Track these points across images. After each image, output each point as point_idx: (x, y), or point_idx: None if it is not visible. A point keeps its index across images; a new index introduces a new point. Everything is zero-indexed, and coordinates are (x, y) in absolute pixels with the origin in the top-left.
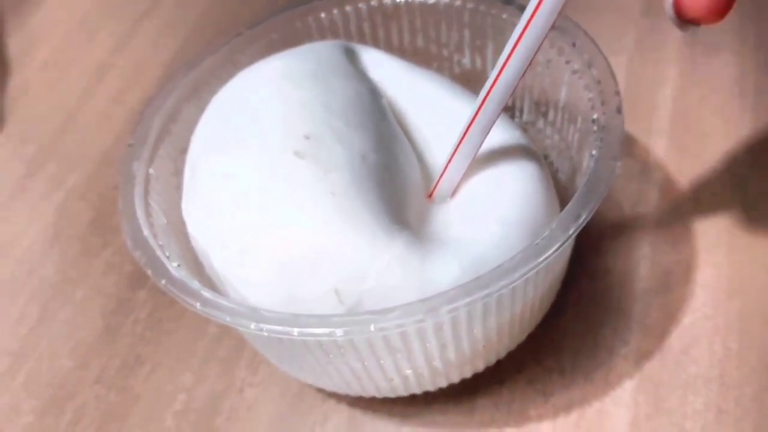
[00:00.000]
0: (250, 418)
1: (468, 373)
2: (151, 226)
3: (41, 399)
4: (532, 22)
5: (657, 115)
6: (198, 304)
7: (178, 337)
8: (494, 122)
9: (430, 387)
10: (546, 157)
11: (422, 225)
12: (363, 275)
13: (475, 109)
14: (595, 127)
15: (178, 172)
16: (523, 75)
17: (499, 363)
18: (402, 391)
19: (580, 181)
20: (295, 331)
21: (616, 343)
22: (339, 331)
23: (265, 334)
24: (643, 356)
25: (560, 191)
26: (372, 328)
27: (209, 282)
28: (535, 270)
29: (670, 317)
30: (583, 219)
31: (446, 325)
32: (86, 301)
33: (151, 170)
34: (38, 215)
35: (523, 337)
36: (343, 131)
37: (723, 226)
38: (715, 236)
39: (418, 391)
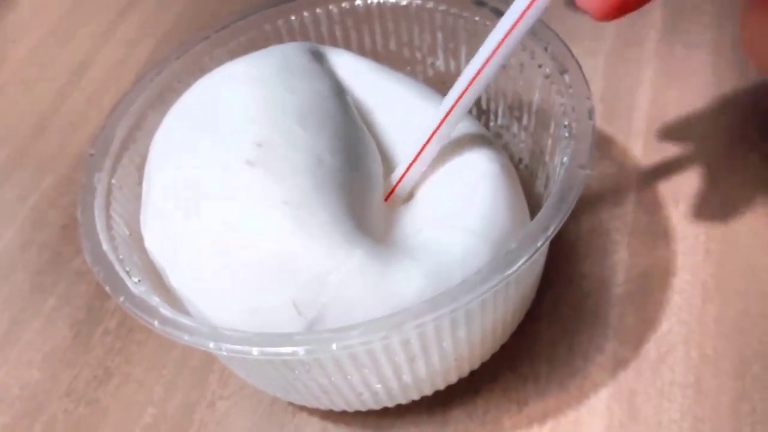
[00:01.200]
0: None
1: (441, 386)
2: (112, 239)
3: (10, 413)
4: (502, 45)
5: (634, 115)
6: (156, 323)
7: (149, 348)
8: (456, 125)
9: (402, 400)
10: (521, 161)
11: (384, 229)
12: (321, 286)
13: (438, 115)
14: (566, 133)
15: (142, 182)
16: (491, 81)
17: (473, 372)
18: (372, 405)
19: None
20: (255, 350)
21: (591, 350)
22: (301, 350)
23: (224, 353)
24: (619, 363)
25: (536, 197)
26: (334, 347)
27: (171, 297)
28: (503, 283)
29: (646, 323)
30: (552, 231)
31: (414, 339)
32: (56, 310)
33: (113, 180)
34: (10, 221)
35: (496, 348)
36: (299, 134)
37: (701, 229)
38: (692, 239)
39: (389, 404)
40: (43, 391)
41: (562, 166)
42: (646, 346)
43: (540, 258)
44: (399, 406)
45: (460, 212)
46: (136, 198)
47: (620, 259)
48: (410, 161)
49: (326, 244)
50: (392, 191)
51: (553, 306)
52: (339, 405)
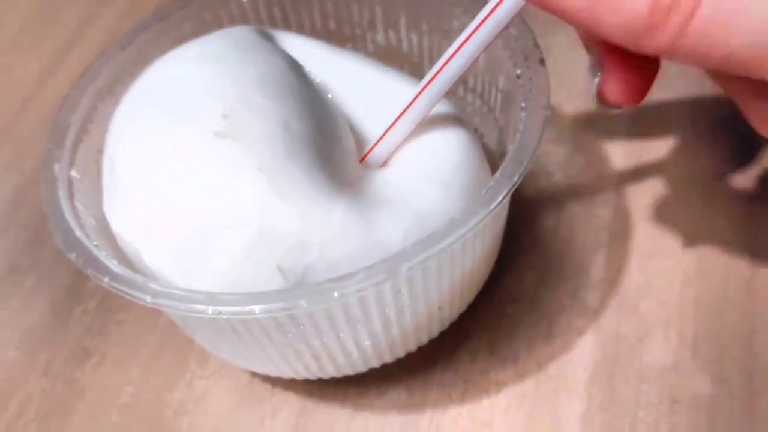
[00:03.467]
0: (199, 412)
1: (425, 340)
2: (81, 227)
3: None
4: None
5: None
6: (148, 297)
7: (128, 329)
8: (439, 100)
9: (389, 358)
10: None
11: (358, 190)
12: (305, 248)
13: (425, 83)
14: (520, 82)
15: (101, 175)
16: (475, 62)
17: (453, 352)
18: (361, 367)
19: (511, 139)
20: (257, 309)
21: (570, 332)
22: (303, 303)
23: (224, 317)
24: (598, 346)
25: (487, 156)
26: (336, 294)
27: None
28: (485, 221)
29: (625, 305)
30: (525, 167)
31: (404, 287)
32: (35, 290)
33: (73, 172)
34: None
35: (472, 297)
36: (262, 104)
37: (681, 214)
38: (672, 223)
39: (376, 363)
40: (20, 370)
41: (522, 110)
42: (626, 328)
43: (507, 204)
44: (379, 388)
45: (432, 168)
46: (97, 190)
47: (601, 243)
48: (387, 126)
49: (306, 207)
50: (367, 154)
51: (533, 289)
52: (328, 371)
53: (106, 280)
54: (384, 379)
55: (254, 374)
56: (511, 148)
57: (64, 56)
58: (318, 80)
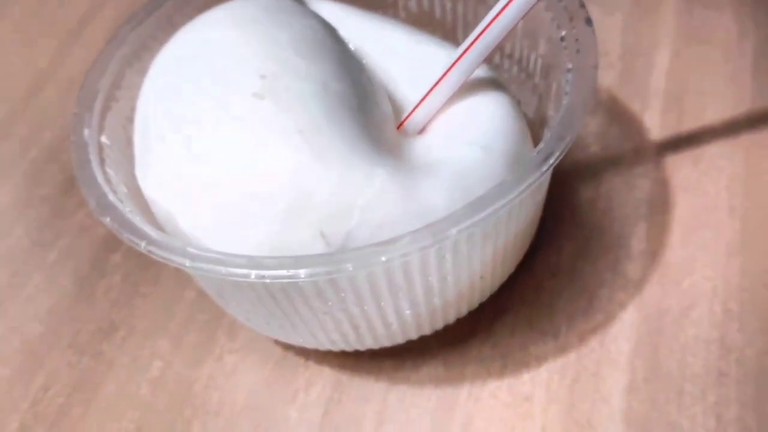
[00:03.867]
0: (229, 386)
1: (464, 311)
2: (114, 193)
3: (10, 365)
4: None
5: (653, 75)
6: (187, 261)
7: (154, 302)
8: (478, 65)
9: (427, 329)
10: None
11: (398, 155)
12: (347, 213)
13: (463, 48)
14: (564, 44)
15: (131, 143)
16: (515, 26)
17: (491, 326)
18: (399, 338)
19: (552, 106)
20: (302, 272)
21: (612, 305)
22: (348, 266)
23: (268, 281)
24: (641, 319)
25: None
26: (383, 258)
27: None
28: (536, 184)
29: (668, 278)
30: (577, 127)
31: (449, 254)
32: (58, 264)
33: (103, 138)
34: (9, 176)
35: (513, 268)
36: (300, 64)
37: (722, 186)
38: (714, 196)
39: (415, 335)
40: (46, 344)
41: (569, 72)
42: (669, 301)
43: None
44: (415, 362)
45: (473, 133)
46: (127, 157)
47: (640, 216)
48: (424, 93)
49: (347, 170)
50: (406, 119)
51: (573, 262)
52: (366, 342)
53: (143, 244)
54: (420, 353)
55: (286, 348)
56: (561, 109)
57: (81, 30)
58: (351, 45)
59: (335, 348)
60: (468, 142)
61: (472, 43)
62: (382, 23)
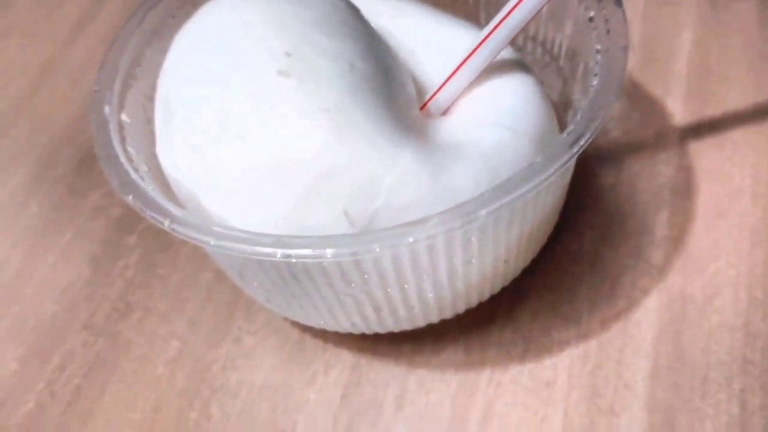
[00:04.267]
0: (247, 367)
1: (487, 295)
2: (135, 171)
3: (26, 345)
4: None
5: (675, 60)
6: (212, 240)
7: (171, 284)
8: (503, 47)
9: (449, 313)
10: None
11: (422, 136)
12: (373, 193)
13: (490, 29)
14: (593, 25)
15: (151, 121)
16: (542, 8)
17: (512, 311)
18: (420, 321)
19: (578, 89)
20: (329, 252)
21: (635, 291)
22: (375, 247)
23: (293, 260)
24: (664, 305)
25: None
26: (411, 239)
27: None
28: (566, 166)
29: (692, 265)
30: (608, 109)
31: (475, 236)
32: (73, 245)
33: (123, 116)
34: (23, 158)
35: (536, 252)
36: (325, 43)
37: (747, 173)
38: (738, 183)
39: (436, 318)
40: (61, 324)
41: (598, 53)
42: (692, 288)
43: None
44: (435, 346)
45: (498, 114)
46: (148, 137)
47: (663, 202)
48: (448, 74)
49: (374, 150)
50: (429, 100)
51: (595, 248)
52: (387, 324)
53: (166, 222)
54: (440, 338)
55: (304, 330)
56: (591, 90)
57: (95, 12)
58: (374, 26)
59: (355, 331)
60: (494, 124)
61: (498, 25)
62: (405, 4)
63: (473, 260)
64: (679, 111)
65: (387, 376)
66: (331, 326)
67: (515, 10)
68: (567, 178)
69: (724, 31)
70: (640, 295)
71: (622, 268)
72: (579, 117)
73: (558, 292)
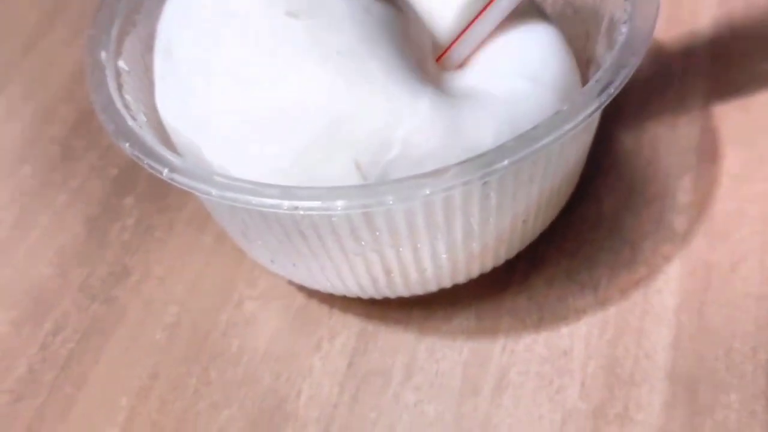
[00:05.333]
0: (249, 334)
1: (502, 258)
2: (133, 119)
3: (19, 308)
4: None
5: (699, 21)
6: (213, 190)
7: (170, 247)
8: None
9: (462, 276)
10: None
11: (440, 87)
12: (387, 143)
13: None
14: None
15: (150, 71)
16: None
17: (526, 278)
18: (432, 285)
19: (608, 38)
20: (339, 204)
21: (656, 258)
22: (389, 198)
23: (301, 212)
24: (687, 273)
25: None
26: (427, 191)
27: None
28: (592, 116)
29: (716, 232)
30: (639, 55)
31: (494, 191)
32: (68, 207)
33: (120, 63)
34: (18, 115)
35: (555, 214)
36: None
37: None
38: (764, 148)
39: (449, 283)
40: (55, 287)
41: (627, 1)
42: (716, 255)
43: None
44: (445, 312)
45: (520, 64)
46: (146, 86)
47: (687, 166)
48: (467, 25)
49: (389, 97)
50: (447, 50)
51: (615, 213)
52: (397, 287)
53: (165, 171)
54: (451, 303)
55: (309, 296)
56: (622, 36)
57: None
58: None
59: (364, 295)
60: (515, 75)
61: None
62: None
63: (490, 219)
64: (703, 72)
65: (395, 343)
66: (339, 289)
67: None
68: (591, 133)
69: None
70: (661, 263)
71: (643, 234)
72: (608, 64)
73: (575, 258)
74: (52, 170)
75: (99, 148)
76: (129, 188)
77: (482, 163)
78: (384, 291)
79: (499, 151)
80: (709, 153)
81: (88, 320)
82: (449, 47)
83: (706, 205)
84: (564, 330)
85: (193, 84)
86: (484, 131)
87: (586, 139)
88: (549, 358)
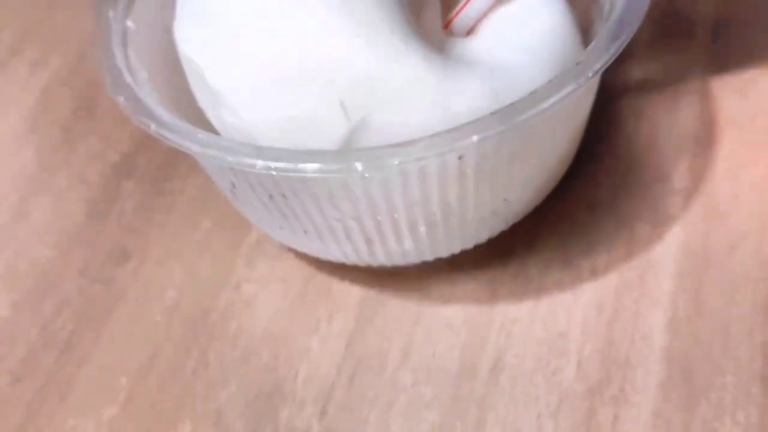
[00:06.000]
0: (248, 315)
1: (484, 237)
2: (132, 75)
3: (19, 291)
4: None
5: (699, 2)
6: (194, 146)
7: (169, 231)
8: None
9: (444, 251)
10: None
11: (442, 51)
12: (373, 88)
13: None
14: None
15: (163, 28)
16: None
17: (523, 260)
18: (414, 257)
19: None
20: (309, 167)
21: (653, 239)
22: (358, 165)
23: (273, 173)
24: (684, 255)
25: None
26: (396, 161)
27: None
28: (577, 92)
29: (713, 215)
30: (632, 28)
31: (470, 168)
32: (68, 190)
33: (129, 22)
34: (18, 100)
35: (544, 195)
36: None
37: None
38: (761, 133)
39: (430, 256)
40: (55, 269)
41: None
42: (713, 238)
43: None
44: (442, 295)
45: (521, 36)
46: (157, 45)
47: (684, 149)
48: None
49: (383, 43)
50: (453, 17)
51: (611, 196)
52: (379, 257)
53: (152, 126)
54: (448, 286)
55: (307, 279)
56: (615, 14)
57: None
58: None
59: (348, 261)
60: (514, 46)
61: None
62: None
63: (468, 195)
64: (702, 55)
65: (393, 326)
66: (323, 254)
67: None
68: (580, 113)
69: None
70: (658, 245)
71: (640, 216)
72: (599, 37)
73: (572, 240)
74: (53, 154)
75: (99, 133)
76: (129, 172)
77: (454, 136)
78: (367, 259)
79: (474, 125)
80: (706, 137)
81: (88, 302)
82: (456, 14)
83: (703, 190)
84: (560, 312)
85: (203, 13)
86: (469, 96)
87: (575, 116)
88: (545, 341)
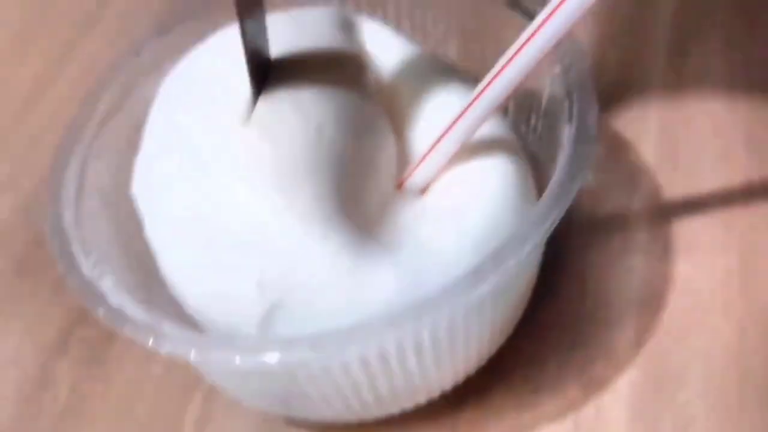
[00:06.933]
0: None
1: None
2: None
3: None
4: (547, 22)
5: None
6: (101, 310)
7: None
8: (483, 122)
9: (396, 409)
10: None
11: (386, 217)
12: (290, 268)
13: (465, 106)
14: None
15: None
16: (525, 78)
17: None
18: (379, 413)
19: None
20: (238, 359)
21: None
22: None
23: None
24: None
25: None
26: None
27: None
28: (499, 281)
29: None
30: (546, 229)
31: (394, 360)
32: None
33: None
34: None
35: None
36: (301, 98)
37: (717, 283)
38: (708, 295)
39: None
40: None
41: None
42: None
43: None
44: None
45: (461, 210)
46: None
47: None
48: (425, 153)
49: (304, 223)
50: (405, 179)
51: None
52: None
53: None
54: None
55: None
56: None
57: (63, 61)
58: (384, 84)
59: (312, 418)
60: (452, 228)
61: (478, 95)
62: (428, 64)
63: (395, 380)
64: (643, 218)
65: None
66: (290, 412)
67: (492, 84)
68: (521, 284)
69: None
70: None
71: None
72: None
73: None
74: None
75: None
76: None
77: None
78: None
79: (384, 322)
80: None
81: None
82: (407, 176)
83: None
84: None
85: (150, 160)
86: (378, 287)
87: (509, 297)
88: None
